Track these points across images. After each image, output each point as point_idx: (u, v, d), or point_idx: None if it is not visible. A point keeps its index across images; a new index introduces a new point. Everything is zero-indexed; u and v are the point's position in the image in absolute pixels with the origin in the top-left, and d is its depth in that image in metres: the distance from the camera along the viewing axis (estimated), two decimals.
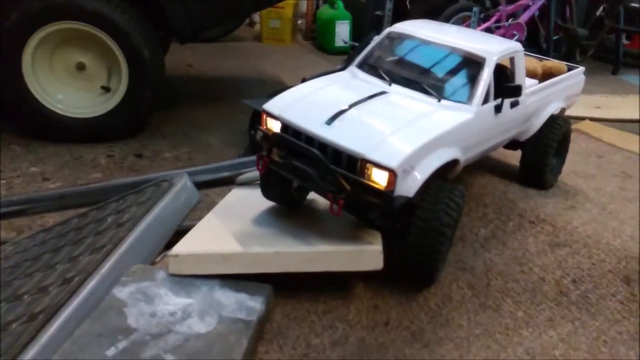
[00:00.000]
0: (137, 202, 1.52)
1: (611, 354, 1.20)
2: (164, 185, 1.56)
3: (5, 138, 3.15)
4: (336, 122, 1.24)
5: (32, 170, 2.86)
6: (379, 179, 1.15)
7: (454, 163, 1.33)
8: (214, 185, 1.75)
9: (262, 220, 1.37)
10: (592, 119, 2.99)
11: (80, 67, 3.18)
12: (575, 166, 2.09)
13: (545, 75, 1.94)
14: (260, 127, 1.36)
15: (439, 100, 1.37)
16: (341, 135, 1.21)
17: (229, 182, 1.74)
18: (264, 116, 1.35)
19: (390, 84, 1.44)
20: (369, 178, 1.16)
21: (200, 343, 1.05)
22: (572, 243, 1.56)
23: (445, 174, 1.35)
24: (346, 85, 1.48)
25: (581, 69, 2.01)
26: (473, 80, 1.41)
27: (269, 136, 1.30)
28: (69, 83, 3.17)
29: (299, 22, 5.87)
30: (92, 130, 3.15)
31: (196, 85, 4.30)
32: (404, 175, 1.16)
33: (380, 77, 1.48)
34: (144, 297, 1.16)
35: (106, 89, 3.18)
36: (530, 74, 1.88)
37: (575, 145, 2.25)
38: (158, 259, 1.36)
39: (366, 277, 1.36)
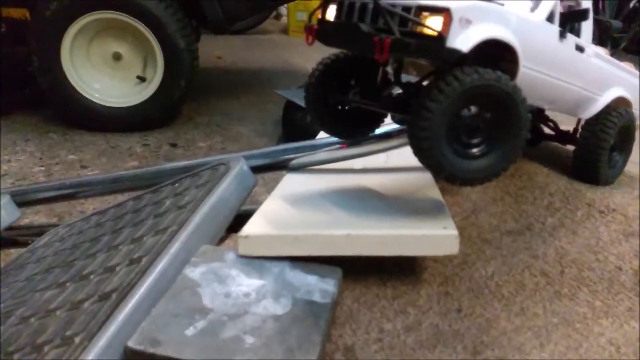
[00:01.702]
0: (195, 184, 1.50)
1: None
2: (221, 168, 1.54)
3: (42, 126, 3.18)
4: None
5: (70, 158, 2.88)
6: (433, 24, 1.09)
7: (511, 64, 1.24)
8: (267, 170, 1.73)
9: (328, 202, 1.34)
10: None
11: (117, 57, 3.20)
12: (633, 157, 2.02)
13: None
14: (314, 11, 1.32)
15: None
16: None
17: (282, 167, 1.71)
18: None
19: None
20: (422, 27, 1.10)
21: (277, 325, 1.03)
22: None
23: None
24: None
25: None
26: None
27: (322, 9, 1.26)
28: (105, 72, 3.19)
29: None
30: (128, 119, 3.17)
31: (226, 76, 4.30)
32: (459, 25, 1.09)
33: None
34: (216, 277, 1.14)
35: (142, 79, 3.20)
36: None
37: None
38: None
39: (432, 262, 1.32)
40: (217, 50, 4.72)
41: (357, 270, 1.27)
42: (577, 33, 1.54)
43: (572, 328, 1.17)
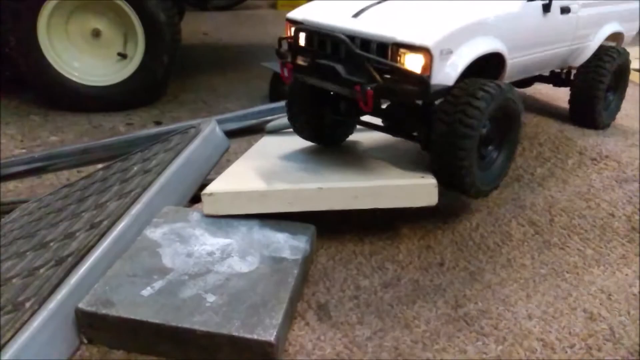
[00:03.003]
0: (164, 149, 1.43)
1: None
2: (192, 131, 1.47)
3: (23, 108, 3.10)
4: (363, 15, 1.11)
5: (52, 139, 2.80)
6: (413, 64, 1.01)
7: (498, 62, 1.18)
8: (243, 134, 1.65)
9: (300, 159, 1.26)
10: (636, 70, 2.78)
11: (96, 33, 3.08)
12: (626, 111, 1.92)
13: None
14: (284, 37, 1.23)
15: None
16: (369, 25, 1.08)
17: (258, 130, 1.63)
18: (288, 26, 1.23)
19: None
20: (402, 66, 1.02)
21: (242, 282, 0.96)
22: None
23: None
24: None
25: None
26: None
27: (293, 39, 1.17)
28: (85, 50, 3.08)
29: None
30: (110, 98, 3.07)
31: (212, 53, 4.19)
32: (441, 58, 1.01)
33: None
34: (178, 237, 1.07)
35: (123, 56, 3.09)
36: None
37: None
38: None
39: (413, 217, 1.25)
40: (203, 27, 4.60)
41: (332, 227, 1.20)
42: None
43: (562, 278, 1.10)
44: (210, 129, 1.44)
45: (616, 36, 1.69)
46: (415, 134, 1.21)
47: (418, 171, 1.16)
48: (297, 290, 1.00)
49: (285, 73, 1.17)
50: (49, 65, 2.97)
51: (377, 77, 1.01)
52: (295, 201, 1.11)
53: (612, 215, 1.27)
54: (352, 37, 1.07)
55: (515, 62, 1.25)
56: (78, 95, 3.05)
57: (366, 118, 1.30)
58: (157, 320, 0.86)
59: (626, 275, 1.11)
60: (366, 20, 1.10)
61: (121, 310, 0.87)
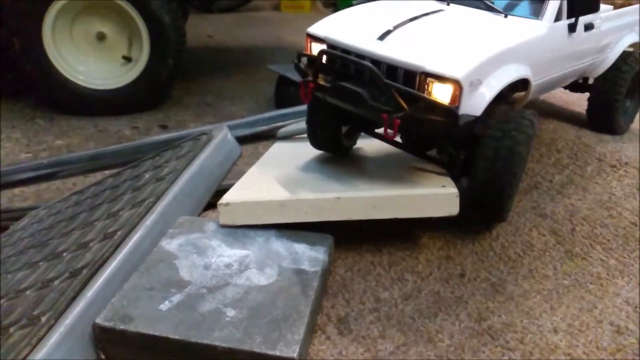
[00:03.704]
0: (176, 156, 1.40)
1: None
2: (203, 138, 1.44)
3: (28, 112, 3.08)
4: (390, 37, 1.08)
5: (58, 144, 2.78)
6: (442, 94, 0.99)
7: (524, 85, 1.17)
8: (254, 140, 1.62)
9: (316, 167, 1.24)
10: None
11: (101, 37, 3.07)
12: None
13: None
14: (305, 52, 1.21)
15: (506, 17, 1.22)
16: (396, 50, 1.05)
17: (268, 137, 1.61)
18: (308, 41, 1.20)
19: (448, 4, 1.29)
20: (429, 95, 1.01)
21: (262, 295, 0.94)
22: None
23: (513, 100, 1.20)
24: (398, 5, 1.31)
25: None
26: None
27: (316, 57, 1.13)
28: (90, 54, 3.07)
29: None
30: (115, 102, 3.05)
31: (217, 55, 4.17)
32: (470, 89, 1.00)
33: None
34: (194, 249, 1.05)
35: (127, 59, 3.07)
36: (608, 3, 1.70)
37: None
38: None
39: (432, 226, 1.23)
40: (207, 29, 4.57)
41: (349, 237, 1.18)
42: None
43: (585, 289, 1.08)
44: (223, 136, 1.42)
45: (635, 45, 1.69)
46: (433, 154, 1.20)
47: (438, 180, 1.14)
48: (317, 303, 0.98)
49: (306, 92, 1.13)
50: (54, 68, 2.95)
51: (404, 106, 0.99)
52: (312, 211, 1.09)
53: (635, 224, 1.25)
54: (378, 62, 1.05)
55: (539, 82, 1.24)
56: (83, 99, 3.03)
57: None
58: (177, 336, 0.84)
59: None
60: (393, 44, 1.07)
61: (140, 326, 0.85)
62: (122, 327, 0.85)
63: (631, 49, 1.66)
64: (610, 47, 1.57)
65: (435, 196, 1.08)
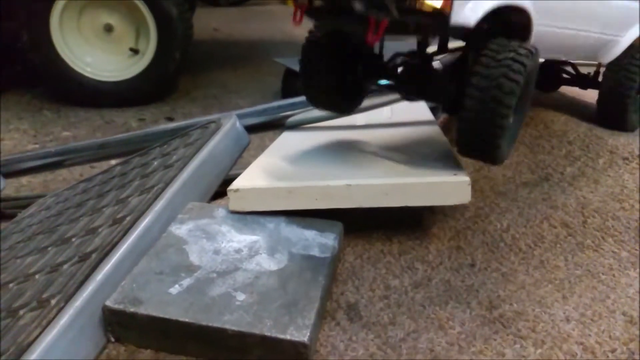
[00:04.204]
0: (184, 144, 1.40)
1: None
2: (212, 126, 1.44)
3: (36, 103, 3.09)
4: None
5: (65, 135, 2.79)
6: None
7: (523, 18, 1.12)
8: (263, 129, 1.62)
9: (325, 154, 1.23)
10: None
11: (108, 28, 3.07)
12: None
13: None
14: None
15: None
16: None
17: (277, 126, 1.60)
18: None
19: None
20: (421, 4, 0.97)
21: (272, 280, 0.93)
22: None
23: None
24: None
25: None
26: None
27: None
28: (97, 45, 3.08)
29: None
30: (122, 94, 3.06)
31: (223, 48, 4.17)
32: None
33: None
34: (204, 234, 1.05)
35: (135, 51, 3.08)
36: None
37: None
38: None
39: (441, 216, 1.22)
40: (213, 22, 4.58)
41: (359, 225, 1.17)
42: None
43: (597, 280, 1.07)
44: (231, 124, 1.42)
45: None
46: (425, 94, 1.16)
47: (449, 168, 1.13)
48: (327, 289, 0.98)
49: (297, 15, 1.10)
50: (61, 60, 2.96)
51: (394, 10, 0.96)
52: (322, 198, 1.08)
53: None
54: None
55: (542, 30, 1.17)
56: (90, 91, 3.04)
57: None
58: (186, 319, 0.83)
59: None
60: None
61: (150, 309, 0.85)
62: (132, 309, 0.85)
63: None
64: (622, 30, 1.52)
65: (447, 184, 1.07)
